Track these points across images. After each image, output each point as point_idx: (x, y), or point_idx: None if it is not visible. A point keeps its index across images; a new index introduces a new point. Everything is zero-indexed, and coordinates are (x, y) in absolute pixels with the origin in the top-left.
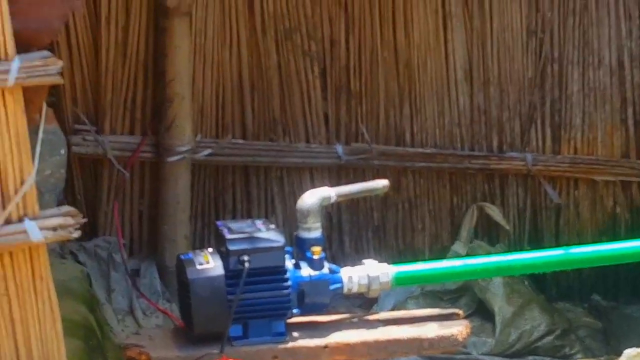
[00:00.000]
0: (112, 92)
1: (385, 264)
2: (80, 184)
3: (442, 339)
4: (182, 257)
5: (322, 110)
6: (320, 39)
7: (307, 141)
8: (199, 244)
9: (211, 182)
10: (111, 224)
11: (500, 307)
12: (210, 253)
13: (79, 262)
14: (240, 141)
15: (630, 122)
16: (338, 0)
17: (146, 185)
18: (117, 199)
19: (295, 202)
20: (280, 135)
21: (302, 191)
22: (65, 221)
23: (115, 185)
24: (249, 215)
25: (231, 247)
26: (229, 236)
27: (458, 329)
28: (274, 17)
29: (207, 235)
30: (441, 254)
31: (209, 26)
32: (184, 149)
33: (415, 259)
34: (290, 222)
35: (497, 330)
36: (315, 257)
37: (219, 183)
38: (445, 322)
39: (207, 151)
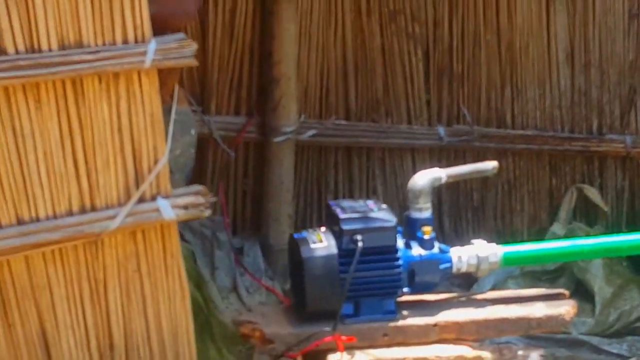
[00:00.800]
0: (218, 72)
1: (494, 244)
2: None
3: (550, 319)
4: (295, 236)
5: (425, 92)
6: (423, 21)
7: (409, 123)
8: (301, 223)
9: (314, 162)
10: (216, 203)
11: (600, 287)
12: (323, 232)
13: (184, 240)
14: (344, 122)
15: None
16: None
17: (250, 165)
18: (221, 178)
19: (396, 182)
20: (383, 116)
21: (404, 172)
22: (196, 200)
23: (220, 165)
24: (350, 195)
25: (345, 227)
26: (342, 215)
27: (565, 308)
28: (379, 0)
29: (309, 214)
30: (540, 236)
31: (315, 9)
32: (289, 129)
33: (513, 240)
34: (391, 201)
35: (597, 310)
36: (426, 236)
37: (322, 163)
38: (552, 302)
39: (311, 132)
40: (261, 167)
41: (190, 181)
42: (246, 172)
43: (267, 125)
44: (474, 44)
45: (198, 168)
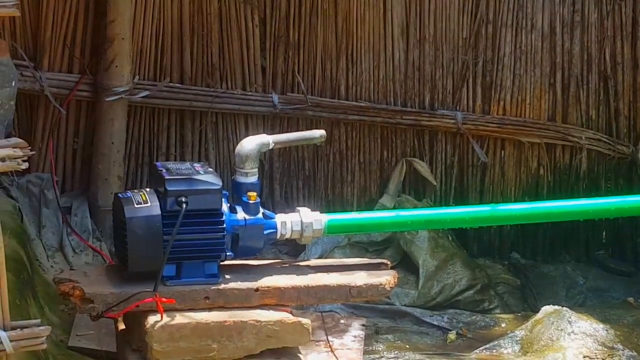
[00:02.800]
0: (52, 29)
1: (318, 212)
2: (15, 120)
3: (370, 288)
4: (120, 195)
5: (260, 59)
6: None
7: (244, 89)
8: (131, 185)
9: (147, 124)
10: (45, 160)
11: (424, 260)
12: (148, 193)
13: (10, 196)
14: (178, 85)
15: (558, 86)
16: None
17: (82, 124)
18: (52, 136)
19: (229, 147)
20: (218, 81)
21: (237, 137)
22: (14, 152)
23: (51, 123)
24: (182, 158)
25: (170, 188)
26: (167, 176)
27: (386, 278)
28: None
29: (140, 176)
30: (369, 206)
31: None
32: (121, 89)
33: (343, 210)
34: (223, 167)
35: (420, 282)
36: (251, 201)
37: (155, 125)
38: (373, 272)
39: (145, 93)
40: (92, 126)
41: (19, 136)
42: (77, 130)
43: (99, 84)
44: (311, 13)
45: (28, 125)
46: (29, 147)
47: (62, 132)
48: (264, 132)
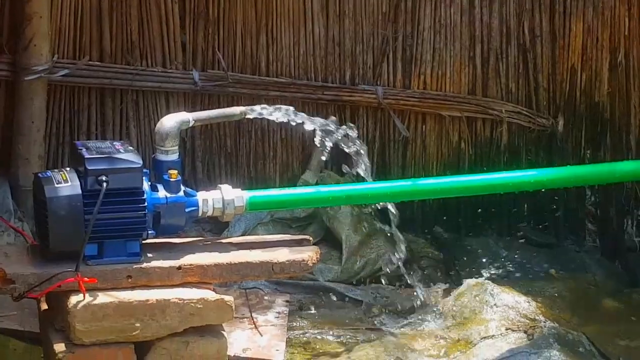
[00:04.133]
0: None
1: (239, 189)
2: None
3: (292, 264)
4: (40, 175)
5: (180, 36)
6: None
7: (164, 66)
8: (52, 164)
9: (67, 103)
10: None
11: (347, 235)
12: (68, 172)
13: None
14: (97, 63)
15: (478, 60)
16: None
17: (1, 104)
18: None
19: (150, 126)
20: (138, 59)
21: (158, 115)
22: None
23: None
24: (103, 137)
25: (90, 167)
26: (87, 155)
27: (308, 254)
28: None
29: (61, 155)
30: (292, 183)
31: None
32: (40, 68)
33: (266, 186)
34: (144, 145)
35: (344, 258)
36: (172, 179)
37: (75, 104)
38: (295, 248)
39: (64, 72)
40: (12, 106)
41: None
42: None
43: (17, 63)
44: None
45: None
46: None
47: None
48: (185, 110)
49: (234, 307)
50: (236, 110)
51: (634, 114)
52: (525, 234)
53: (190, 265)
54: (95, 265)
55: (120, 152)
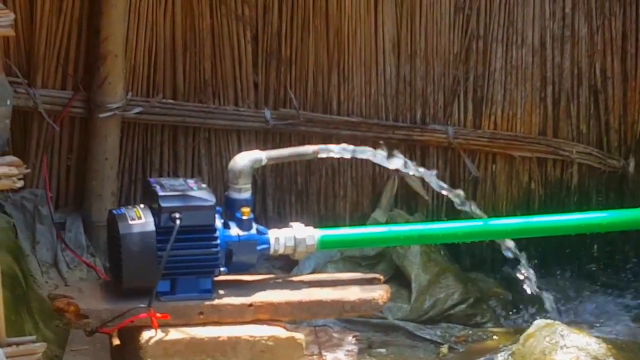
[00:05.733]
0: (45, 45)
1: (311, 227)
2: (9, 137)
3: (363, 302)
4: (114, 211)
5: (252, 75)
6: (253, 4)
7: (236, 104)
8: (125, 201)
9: (140, 140)
10: (39, 176)
11: (417, 274)
12: (142, 209)
13: (5, 212)
14: (171, 101)
15: (549, 100)
16: None
17: (75, 140)
18: (46, 152)
19: (222, 164)
20: (210, 97)
21: (229, 153)
22: (9, 170)
23: (45, 139)
24: (175, 174)
25: (163, 204)
26: (161, 193)
27: (379, 292)
28: None
29: (134, 192)
30: (361, 221)
31: None
32: (114, 106)
33: (336, 224)
34: (216, 183)
35: (413, 296)
36: (245, 217)
37: (148, 141)
38: (366, 286)
39: (138, 109)
40: (86, 142)
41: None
42: (71, 147)
43: (92, 101)
44: (303, 29)
45: (22, 141)
46: (24, 165)
47: (56, 148)
48: (256, 148)
49: (304, 344)
50: (309, 149)
51: None
52: (595, 275)
53: (262, 302)
54: (168, 302)
55: (194, 189)
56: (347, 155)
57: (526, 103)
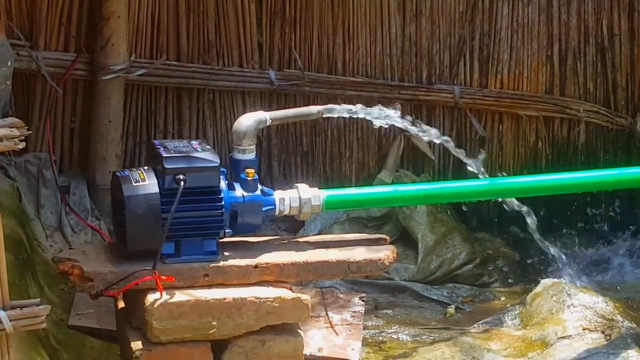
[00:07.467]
0: (47, 7)
1: (316, 188)
2: (12, 99)
3: (369, 263)
4: (118, 174)
5: (257, 36)
6: None
7: (241, 65)
8: (129, 163)
9: (144, 102)
10: (42, 140)
11: (423, 234)
12: (146, 171)
13: (8, 176)
14: (174, 62)
15: (556, 59)
16: None
17: (79, 103)
18: (49, 115)
19: (226, 125)
20: (214, 58)
21: (234, 115)
22: (11, 132)
23: (48, 102)
24: (180, 136)
25: (167, 166)
26: (165, 154)
27: (385, 253)
28: None
29: (138, 154)
30: (367, 182)
31: None
32: (118, 68)
33: (342, 185)
34: (221, 144)
35: (420, 257)
36: (249, 178)
37: (152, 103)
38: (372, 247)
39: (141, 71)
40: (89, 105)
41: (16, 116)
42: (74, 110)
43: (95, 63)
44: None
45: (25, 104)
46: (26, 127)
47: (59, 111)
48: (261, 109)
49: (310, 305)
50: (313, 109)
51: None
52: (602, 234)
53: (267, 264)
54: (173, 264)
55: (198, 151)
56: (354, 116)
57: (533, 62)
